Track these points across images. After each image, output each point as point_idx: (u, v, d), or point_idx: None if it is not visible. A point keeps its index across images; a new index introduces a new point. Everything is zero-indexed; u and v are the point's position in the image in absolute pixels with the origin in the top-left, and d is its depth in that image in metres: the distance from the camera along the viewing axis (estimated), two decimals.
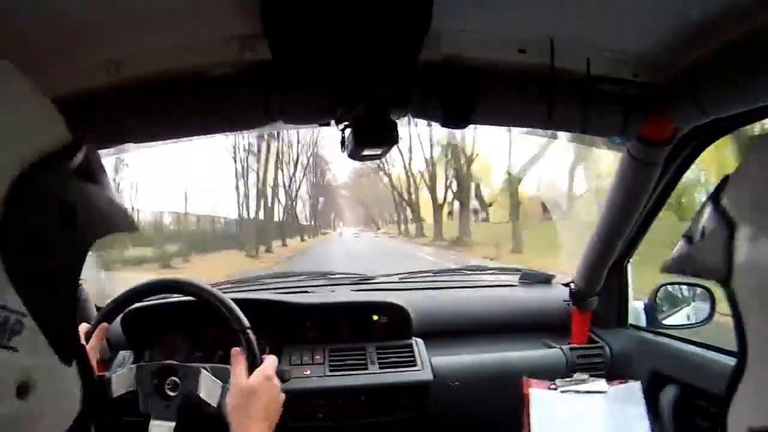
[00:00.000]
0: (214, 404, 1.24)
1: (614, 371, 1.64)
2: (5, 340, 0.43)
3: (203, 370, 1.28)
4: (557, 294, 1.87)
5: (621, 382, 1.44)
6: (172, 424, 1.24)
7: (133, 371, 1.29)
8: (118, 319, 1.48)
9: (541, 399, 1.41)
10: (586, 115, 1.11)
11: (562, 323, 1.78)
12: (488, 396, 1.56)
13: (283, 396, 1.22)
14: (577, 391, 1.42)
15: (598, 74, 1.08)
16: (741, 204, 0.49)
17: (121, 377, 1.28)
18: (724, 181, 0.54)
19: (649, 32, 1.01)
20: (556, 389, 1.43)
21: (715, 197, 0.53)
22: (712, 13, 0.90)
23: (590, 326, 1.74)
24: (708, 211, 0.54)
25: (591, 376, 1.50)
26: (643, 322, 1.70)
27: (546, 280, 1.99)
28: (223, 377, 1.29)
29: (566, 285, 1.84)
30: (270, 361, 1.25)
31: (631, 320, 1.73)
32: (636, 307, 1.73)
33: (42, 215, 0.47)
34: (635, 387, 1.41)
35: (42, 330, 0.47)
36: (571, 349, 1.68)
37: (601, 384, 1.43)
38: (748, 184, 0.50)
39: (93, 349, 1.28)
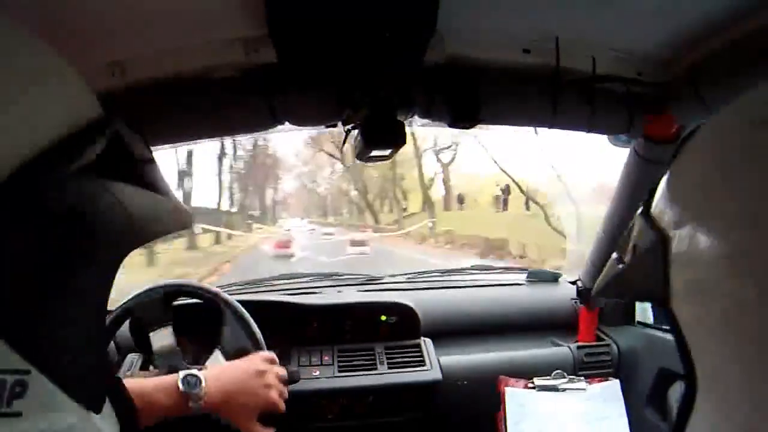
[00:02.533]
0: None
1: (622, 369, 1.64)
2: (4, 407, 0.36)
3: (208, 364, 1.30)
4: (564, 292, 1.87)
5: (600, 380, 1.43)
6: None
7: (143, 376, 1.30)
8: (127, 322, 1.49)
9: (517, 398, 1.40)
10: (591, 114, 1.12)
11: (569, 321, 1.78)
12: (497, 395, 1.56)
13: (265, 381, 1.20)
14: (556, 389, 1.41)
15: (603, 73, 1.09)
16: (672, 213, 0.44)
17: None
18: (652, 190, 0.49)
19: (653, 31, 1.01)
20: (533, 388, 1.42)
21: (645, 210, 0.49)
22: (716, 11, 0.90)
23: (598, 324, 1.74)
24: (638, 225, 0.49)
25: (596, 374, 1.50)
26: (650, 320, 1.69)
27: (553, 278, 1.99)
28: None
29: (573, 283, 1.84)
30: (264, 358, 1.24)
31: (638, 317, 1.73)
32: (643, 304, 1.72)
33: (36, 228, 0.37)
34: (614, 385, 1.40)
35: (56, 382, 0.39)
36: (579, 347, 1.67)
37: (580, 383, 1.42)
38: (678, 191, 0.45)
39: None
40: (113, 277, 0.45)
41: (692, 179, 0.44)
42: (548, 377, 1.44)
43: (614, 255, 0.54)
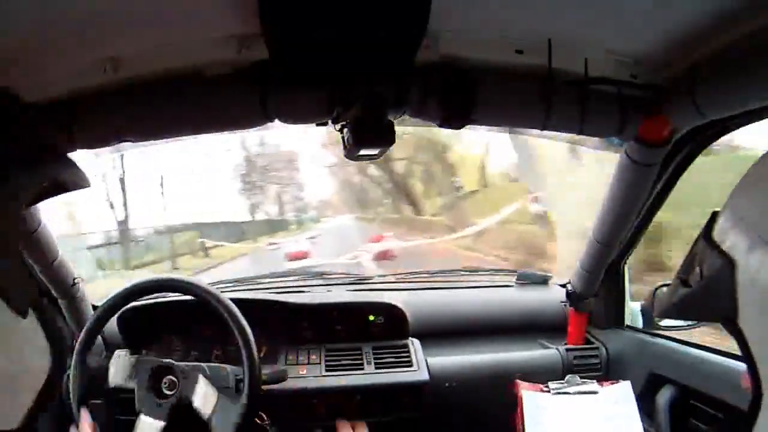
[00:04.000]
0: (206, 414, 1.25)
1: (610, 372, 1.64)
2: None
3: (201, 376, 1.28)
4: (554, 295, 1.87)
5: (612, 383, 1.44)
6: (162, 424, 1.24)
7: (132, 363, 1.29)
8: (115, 317, 1.48)
9: (534, 401, 1.41)
10: (583, 116, 1.11)
11: (558, 324, 1.78)
12: (484, 396, 1.56)
13: None
14: (569, 393, 1.42)
15: (596, 75, 1.08)
16: (737, 239, 0.47)
17: (119, 367, 1.29)
18: (714, 217, 0.52)
19: (647, 33, 1.01)
20: (548, 391, 1.43)
21: (706, 234, 0.51)
22: (711, 14, 0.90)
23: (587, 327, 1.74)
24: (702, 249, 0.51)
25: (584, 377, 1.50)
26: (640, 324, 1.69)
27: (543, 281, 1.99)
28: (220, 380, 1.29)
29: (563, 286, 1.84)
30: None
31: (627, 321, 1.73)
32: (633, 308, 1.73)
33: None
34: (626, 387, 1.41)
35: None
36: (568, 349, 1.68)
37: (592, 385, 1.43)
38: (743, 219, 0.47)
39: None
40: (16, 230, 0.53)
41: (757, 209, 0.46)
42: (562, 381, 1.45)
43: (677, 278, 0.57)
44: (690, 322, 1.59)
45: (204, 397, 1.26)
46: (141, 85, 1.04)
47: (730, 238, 0.48)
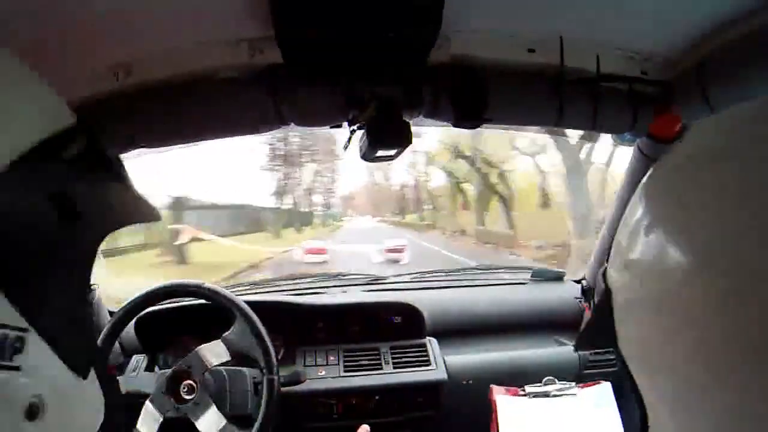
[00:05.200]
0: (227, 356, 1.35)
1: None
2: (6, 360, 0.39)
3: (213, 407, 1.31)
4: (569, 291, 1.87)
5: (591, 384, 1.43)
6: (213, 408, 1.29)
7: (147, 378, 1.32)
8: (132, 323, 1.49)
9: (509, 406, 1.40)
10: (596, 113, 1.12)
11: (574, 321, 1.78)
12: None
13: None
14: (547, 395, 1.41)
15: (608, 72, 1.09)
16: (615, 270, 0.49)
17: (140, 376, 1.31)
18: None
19: (657, 30, 1.01)
20: (525, 395, 1.42)
21: (604, 271, 0.53)
22: (720, 10, 0.90)
23: None
24: (598, 284, 0.55)
25: (599, 374, 1.50)
26: None
27: (558, 277, 1.98)
28: (238, 383, 1.31)
29: (578, 282, 1.84)
30: None
31: None
32: None
33: (35, 209, 0.42)
34: (606, 388, 1.40)
35: (49, 344, 0.43)
36: None
37: (571, 388, 1.42)
38: (620, 250, 0.49)
39: None
40: (93, 258, 0.50)
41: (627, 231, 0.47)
42: (539, 384, 1.44)
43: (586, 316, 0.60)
44: None
45: (209, 424, 1.28)
46: (153, 91, 1.05)
47: (611, 270, 0.50)
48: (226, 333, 1.37)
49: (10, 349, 0.39)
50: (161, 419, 1.27)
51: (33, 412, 0.40)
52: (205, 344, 1.35)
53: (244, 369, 1.42)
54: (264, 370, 1.34)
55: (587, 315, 1.73)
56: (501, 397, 1.40)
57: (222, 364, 1.36)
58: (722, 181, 0.37)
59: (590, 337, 0.59)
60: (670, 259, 0.39)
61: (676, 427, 0.42)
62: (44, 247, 0.43)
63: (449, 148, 17.30)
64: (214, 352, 1.33)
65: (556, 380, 1.45)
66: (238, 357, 1.37)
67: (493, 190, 16.07)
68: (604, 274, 0.51)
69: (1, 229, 0.39)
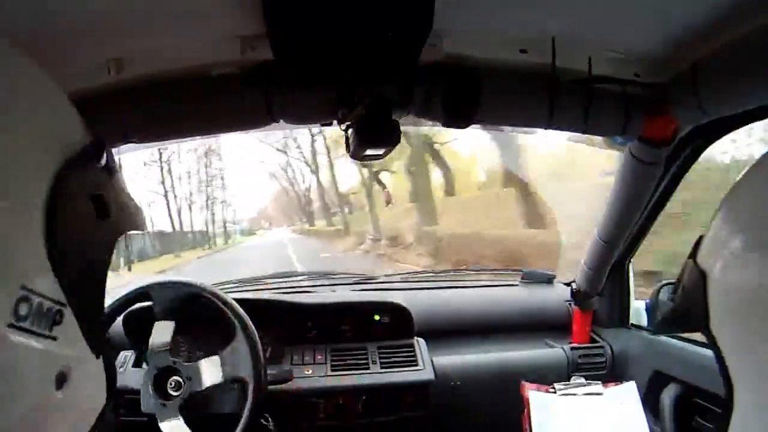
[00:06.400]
0: (221, 378, 1.29)
1: (615, 371, 1.64)
2: (48, 330, 0.43)
3: (201, 362, 1.30)
4: (559, 294, 1.87)
5: (616, 384, 1.44)
6: (180, 421, 1.25)
7: (137, 365, 1.31)
8: (120, 319, 1.48)
9: (541, 402, 1.41)
10: (587, 115, 1.11)
11: (563, 323, 1.78)
12: (490, 395, 1.56)
13: None
14: (575, 394, 1.42)
15: (600, 74, 1.08)
16: (712, 258, 0.52)
17: (126, 371, 1.30)
18: (699, 240, 0.56)
19: (650, 32, 1.01)
20: (555, 392, 1.43)
21: (693, 255, 0.56)
22: (714, 13, 0.90)
23: (591, 326, 1.74)
24: (688, 269, 0.56)
25: (589, 376, 1.51)
26: (644, 322, 1.69)
27: (547, 280, 1.99)
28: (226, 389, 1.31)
29: (568, 285, 1.84)
30: None
31: (632, 320, 1.73)
32: (637, 306, 1.72)
33: (81, 210, 0.49)
34: (631, 387, 1.42)
35: (78, 321, 0.47)
36: (573, 348, 1.68)
37: (597, 386, 1.43)
38: (721, 240, 0.52)
39: None
40: (111, 256, 0.55)
41: (729, 234, 0.51)
42: (567, 382, 1.45)
43: (668, 298, 0.64)
44: None
45: (210, 371, 1.30)
46: (144, 87, 1.04)
47: (706, 257, 0.53)
48: (225, 351, 1.35)
49: (50, 320, 0.44)
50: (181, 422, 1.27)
51: (61, 382, 0.45)
52: (203, 360, 1.34)
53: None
54: (251, 369, 1.33)
55: (576, 316, 1.73)
56: (533, 393, 1.42)
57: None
58: None
59: (677, 320, 0.63)
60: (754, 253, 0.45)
61: (762, 408, 0.47)
62: (85, 238, 0.49)
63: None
64: (209, 372, 1.32)
65: (583, 379, 1.47)
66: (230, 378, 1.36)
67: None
68: (695, 261, 0.55)
69: (58, 221, 0.44)
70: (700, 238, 0.56)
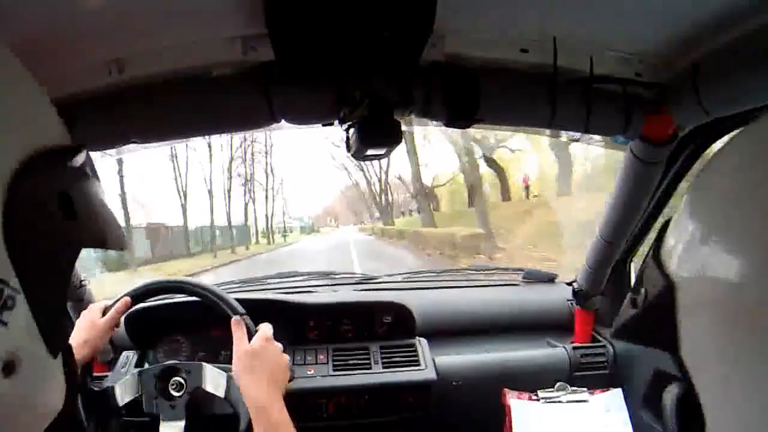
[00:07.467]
0: (222, 394, 1.26)
1: (617, 370, 1.64)
2: None
3: (206, 365, 1.29)
4: (560, 293, 1.87)
5: (602, 391, 1.44)
6: (182, 423, 1.25)
7: (136, 377, 1.30)
8: (122, 319, 1.48)
9: (522, 410, 1.40)
10: (589, 115, 1.11)
11: (565, 322, 1.78)
12: (492, 395, 1.56)
13: (286, 357, 1.24)
14: (560, 401, 1.41)
15: (601, 73, 1.08)
16: (682, 264, 0.44)
17: (125, 385, 1.29)
18: (664, 227, 0.48)
19: (651, 31, 1.01)
20: (538, 400, 1.43)
21: (655, 249, 0.48)
22: (715, 12, 0.90)
23: (593, 325, 1.74)
24: (649, 267, 0.48)
25: (591, 376, 1.50)
26: None
27: (549, 279, 1.99)
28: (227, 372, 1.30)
29: (569, 284, 1.84)
30: (266, 327, 1.26)
31: None
32: None
33: (44, 203, 0.47)
34: (617, 394, 1.41)
35: (33, 313, 0.46)
36: (575, 348, 1.67)
37: (583, 393, 1.43)
38: (689, 236, 0.43)
39: (111, 320, 1.30)
40: (75, 259, 0.53)
41: (703, 221, 0.43)
42: (551, 389, 1.44)
43: (628, 297, 0.53)
44: None
45: (214, 380, 1.27)
46: (146, 87, 1.04)
47: (674, 259, 0.45)
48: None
49: (1, 304, 0.42)
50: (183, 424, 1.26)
51: (9, 369, 0.43)
52: (214, 365, 1.32)
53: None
54: None
55: (577, 316, 1.73)
56: (515, 402, 1.41)
57: (212, 361, 1.34)
58: None
59: (640, 335, 0.55)
60: (734, 259, 0.37)
61: (734, 424, 0.41)
62: (46, 234, 0.47)
63: None
64: (215, 381, 1.29)
65: (567, 386, 1.46)
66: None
67: None
68: (657, 258, 0.47)
69: (18, 212, 0.43)
70: (666, 223, 0.48)
